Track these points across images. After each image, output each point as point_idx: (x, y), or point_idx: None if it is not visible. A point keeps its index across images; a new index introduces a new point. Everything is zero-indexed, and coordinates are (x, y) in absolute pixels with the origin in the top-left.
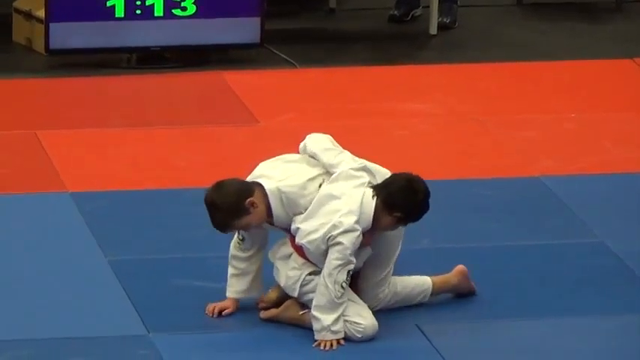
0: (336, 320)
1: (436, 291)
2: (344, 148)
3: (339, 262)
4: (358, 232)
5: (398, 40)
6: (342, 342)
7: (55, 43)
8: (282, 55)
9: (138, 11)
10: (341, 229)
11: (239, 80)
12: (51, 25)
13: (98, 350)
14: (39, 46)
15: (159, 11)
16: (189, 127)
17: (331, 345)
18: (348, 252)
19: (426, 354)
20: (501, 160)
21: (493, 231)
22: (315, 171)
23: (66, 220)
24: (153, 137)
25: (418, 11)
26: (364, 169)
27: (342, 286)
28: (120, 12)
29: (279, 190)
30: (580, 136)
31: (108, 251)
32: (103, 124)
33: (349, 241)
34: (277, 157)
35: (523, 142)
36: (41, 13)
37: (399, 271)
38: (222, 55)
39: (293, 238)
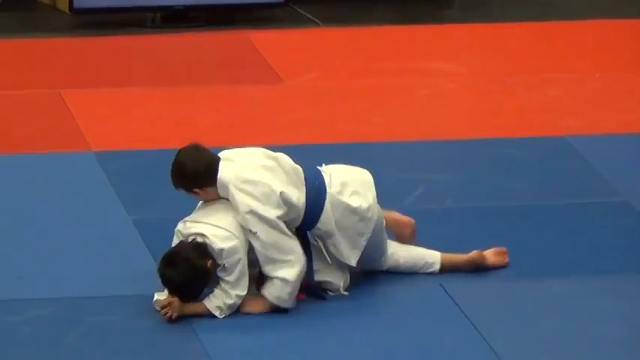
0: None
1: (446, 269)
2: (367, 107)
3: None
4: None
5: None
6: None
7: (80, 2)
8: (307, 15)
9: None
10: None
11: (263, 39)
12: None
13: (121, 309)
14: (63, 5)
15: None
16: (213, 86)
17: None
18: None
19: (450, 314)
20: (526, 119)
21: (517, 190)
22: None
23: (90, 179)
24: (177, 96)
25: None
26: None
27: None
28: None
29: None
30: (605, 95)
31: (131, 210)
32: (127, 83)
33: None
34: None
35: (548, 102)
36: None
37: (424, 232)
38: (247, 14)
39: None
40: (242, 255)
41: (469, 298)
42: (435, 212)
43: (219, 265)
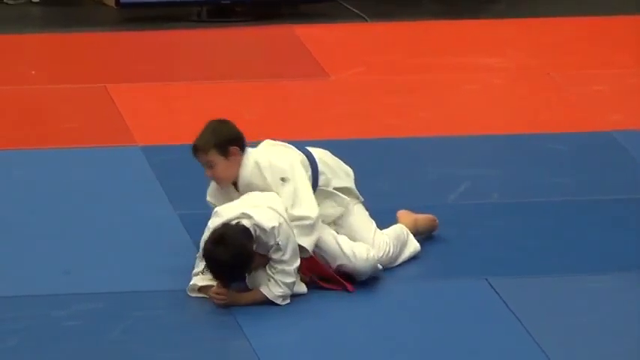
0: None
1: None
2: (413, 102)
3: None
4: None
5: None
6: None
7: None
8: (353, 9)
9: None
10: None
11: (309, 34)
12: None
13: (166, 304)
14: None
15: None
16: (259, 81)
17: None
18: None
19: (496, 308)
20: (571, 114)
21: (563, 185)
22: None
23: (136, 174)
24: (223, 91)
25: None
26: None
27: None
28: None
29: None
30: None
31: (178, 205)
32: (172, 77)
33: None
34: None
35: (593, 97)
36: None
37: (470, 227)
38: (293, 8)
39: None
40: (291, 232)
41: (515, 293)
42: (481, 207)
43: (268, 250)
